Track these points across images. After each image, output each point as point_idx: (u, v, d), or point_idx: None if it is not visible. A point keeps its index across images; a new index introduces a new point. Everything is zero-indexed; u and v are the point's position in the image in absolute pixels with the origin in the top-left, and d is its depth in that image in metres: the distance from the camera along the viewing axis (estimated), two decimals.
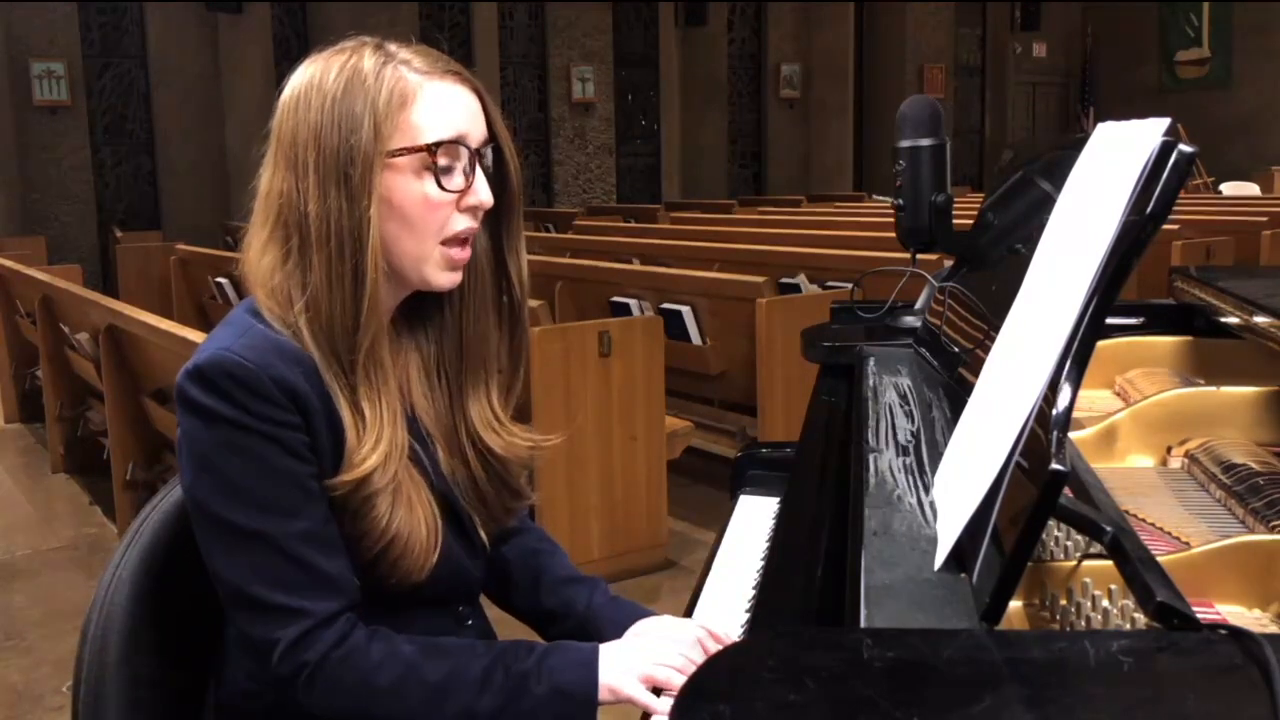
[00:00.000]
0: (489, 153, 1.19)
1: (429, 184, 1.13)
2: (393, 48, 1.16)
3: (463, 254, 1.18)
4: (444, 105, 1.14)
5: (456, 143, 1.14)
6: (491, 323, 1.27)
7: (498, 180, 1.21)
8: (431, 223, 1.15)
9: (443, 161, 1.14)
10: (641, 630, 1.25)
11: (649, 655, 1.15)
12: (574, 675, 1.12)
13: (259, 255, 1.16)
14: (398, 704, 1.10)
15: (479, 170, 1.16)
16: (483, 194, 1.16)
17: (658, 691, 1.13)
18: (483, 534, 1.28)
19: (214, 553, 1.10)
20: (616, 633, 1.26)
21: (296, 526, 1.09)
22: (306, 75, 1.15)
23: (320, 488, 1.11)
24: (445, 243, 1.16)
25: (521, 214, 1.27)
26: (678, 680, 1.12)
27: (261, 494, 1.08)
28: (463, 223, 1.16)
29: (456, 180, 1.15)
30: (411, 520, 1.15)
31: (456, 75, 1.17)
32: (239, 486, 1.08)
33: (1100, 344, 1.46)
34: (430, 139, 1.13)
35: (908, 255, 1.88)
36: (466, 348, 1.26)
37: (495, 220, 1.24)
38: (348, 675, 1.09)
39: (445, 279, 1.18)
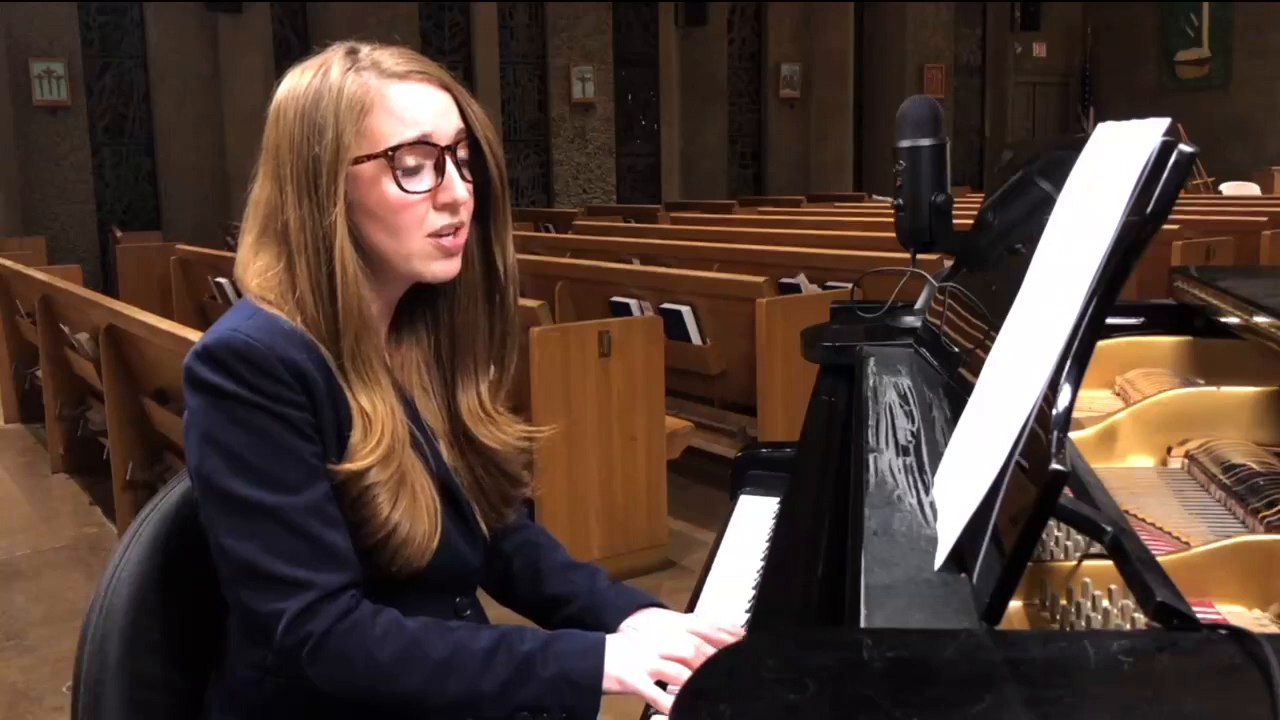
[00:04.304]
0: (465, 148, 1.19)
1: (391, 187, 1.15)
2: (364, 51, 1.17)
3: (454, 242, 1.19)
4: (406, 107, 1.15)
5: (421, 143, 1.15)
6: (480, 312, 1.28)
7: (479, 173, 1.22)
8: (407, 223, 1.16)
9: (410, 162, 1.15)
10: (641, 624, 1.25)
11: (657, 647, 1.16)
12: (580, 662, 1.13)
13: (250, 259, 1.19)
14: (400, 679, 1.11)
15: (450, 166, 1.17)
16: (456, 190, 1.17)
17: (663, 685, 1.14)
18: (482, 524, 1.28)
19: (220, 529, 1.11)
20: (620, 617, 1.28)
21: (302, 501, 1.10)
22: (287, 87, 1.18)
23: (324, 467, 1.12)
24: (430, 236, 1.18)
25: (508, 205, 1.27)
26: (685, 674, 1.12)
27: (267, 469, 1.09)
28: (441, 220, 1.17)
29: (425, 180, 1.16)
30: (414, 510, 1.16)
31: (422, 74, 1.17)
32: (245, 461, 1.09)
33: (1100, 344, 1.46)
34: (392, 143, 1.14)
35: (908, 255, 1.88)
36: (456, 337, 1.28)
37: (481, 212, 1.24)
38: (351, 648, 1.10)
39: (439, 268, 1.20)
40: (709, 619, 1.26)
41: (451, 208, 1.18)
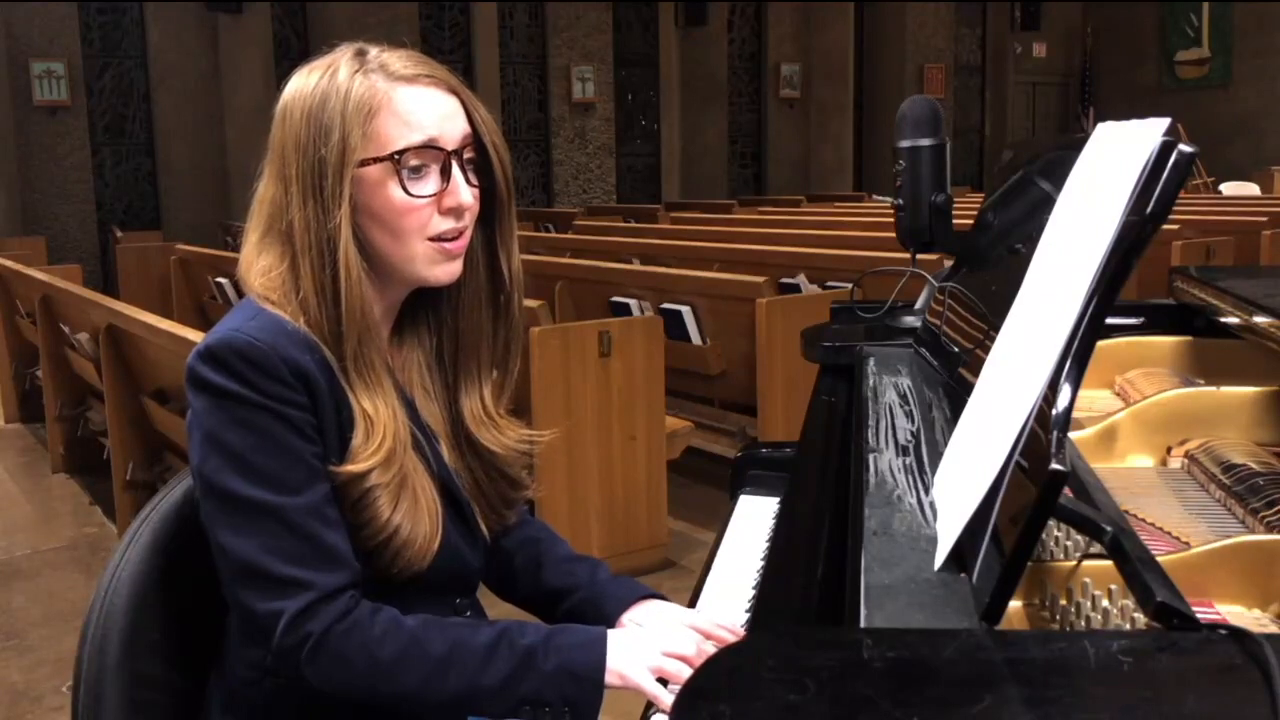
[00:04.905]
0: (472, 151, 1.19)
1: (397, 190, 1.14)
2: (372, 53, 1.17)
3: (456, 246, 1.19)
4: (412, 111, 1.15)
5: (427, 147, 1.15)
6: (485, 316, 1.28)
7: (485, 177, 1.22)
8: (410, 226, 1.16)
9: (415, 165, 1.15)
10: (643, 619, 1.25)
11: (659, 644, 1.15)
12: (582, 655, 1.13)
13: (253, 258, 1.19)
14: (401, 677, 1.11)
15: (456, 171, 1.17)
16: (462, 195, 1.17)
17: (664, 682, 1.14)
18: (483, 525, 1.28)
19: (221, 529, 1.11)
20: (620, 608, 1.28)
21: (303, 501, 1.10)
22: (294, 87, 1.18)
23: (324, 469, 1.13)
24: (432, 239, 1.17)
25: (513, 209, 1.27)
26: (687, 672, 1.12)
27: (269, 469, 1.09)
28: (445, 224, 1.17)
29: (430, 184, 1.16)
30: (415, 512, 1.16)
31: (430, 78, 1.17)
32: (247, 461, 1.09)
33: (1100, 344, 1.46)
34: (398, 146, 1.14)
35: (908, 255, 1.88)
36: (460, 340, 1.28)
37: (487, 215, 1.24)
38: (350, 648, 1.10)
39: (440, 272, 1.19)
40: (710, 615, 1.26)
41: (456, 212, 1.17)
